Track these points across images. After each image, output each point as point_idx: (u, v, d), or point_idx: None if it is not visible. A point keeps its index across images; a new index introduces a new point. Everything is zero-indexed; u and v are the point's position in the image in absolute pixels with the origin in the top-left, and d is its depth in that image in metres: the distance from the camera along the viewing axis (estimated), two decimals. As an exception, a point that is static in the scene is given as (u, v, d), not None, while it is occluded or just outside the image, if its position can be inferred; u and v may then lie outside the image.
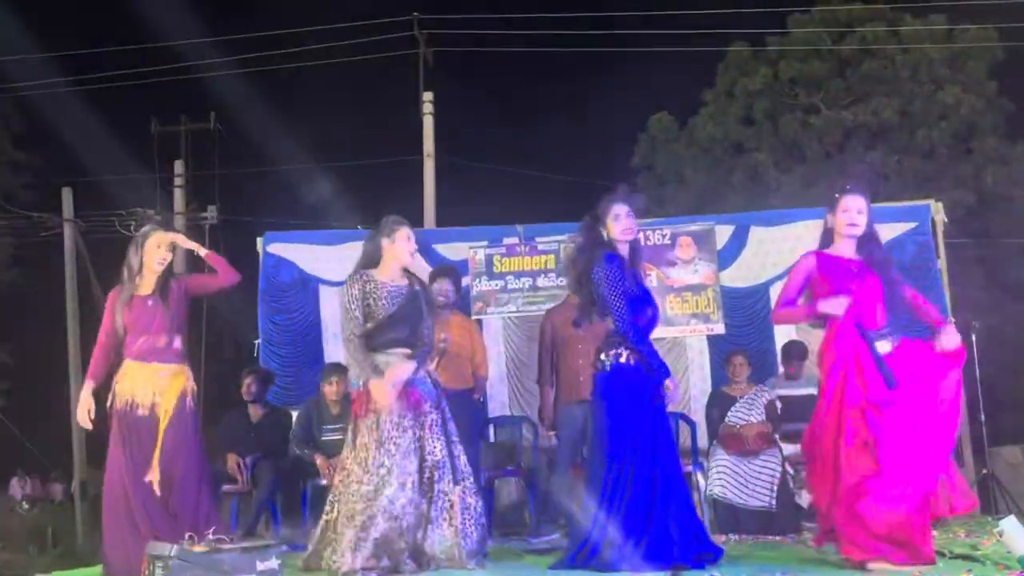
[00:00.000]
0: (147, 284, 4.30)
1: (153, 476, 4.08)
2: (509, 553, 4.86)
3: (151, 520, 4.02)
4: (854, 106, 15.07)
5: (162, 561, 3.42)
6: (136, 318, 4.22)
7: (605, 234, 4.11)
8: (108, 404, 4.19)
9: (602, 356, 4.06)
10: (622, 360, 3.98)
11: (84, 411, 4.18)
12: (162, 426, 4.15)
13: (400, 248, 4.17)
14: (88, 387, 4.20)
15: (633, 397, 3.94)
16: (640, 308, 4.02)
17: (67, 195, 13.32)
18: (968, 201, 13.66)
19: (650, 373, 3.97)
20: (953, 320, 7.43)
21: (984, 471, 6.00)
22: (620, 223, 4.09)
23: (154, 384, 4.19)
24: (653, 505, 3.82)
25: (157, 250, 4.31)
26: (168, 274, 4.37)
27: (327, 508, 4.07)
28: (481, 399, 6.25)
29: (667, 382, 3.99)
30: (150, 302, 4.26)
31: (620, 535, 3.76)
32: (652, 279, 7.65)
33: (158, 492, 4.08)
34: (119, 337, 4.23)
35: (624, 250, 4.12)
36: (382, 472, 3.86)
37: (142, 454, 4.11)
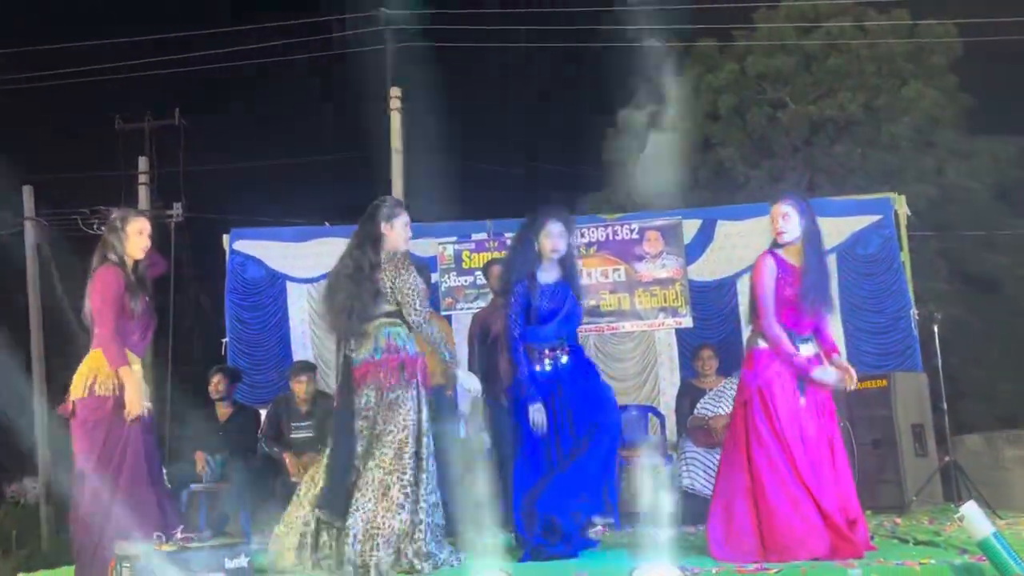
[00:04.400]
0: (131, 273, 4.09)
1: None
2: (480, 546, 4.86)
3: (165, 513, 3.93)
4: (820, 101, 15.21)
5: (129, 561, 3.40)
6: (141, 312, 4.04)
7: (536, 247, 4.32)
8: (97, 392, 3.90)
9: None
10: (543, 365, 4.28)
11: (141, 398, 3.94)
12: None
13: (398, 236, 4.08)
14: (130, 372, 3.91)
15: (537, 394, 4.22)
16: (543, 321, 4.29)
17: (28, 193, 13.12)
18: (930, 194, 13.84)
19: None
20: (917, 314, 7.57)
21: (947, 459, 6.09)
22: (551, 240, 4.30)
23: (143, 384, 4.06)
24: (562, 495, 4.09)
25: (139, 237, 4.07)
26: (143, 269, 4.16)
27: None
28: (453, 394, 6.26)
29: (531, 409, 4.21)
30: (146, 298, 4.10)
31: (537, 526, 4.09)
32: (620, 273, 7.70)
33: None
34: (120, 317, 3.95)
35: (553, 265, 4.36)
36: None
37: (147, 450, 3.98)
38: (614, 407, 4.41)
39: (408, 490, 3.81)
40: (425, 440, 3.92)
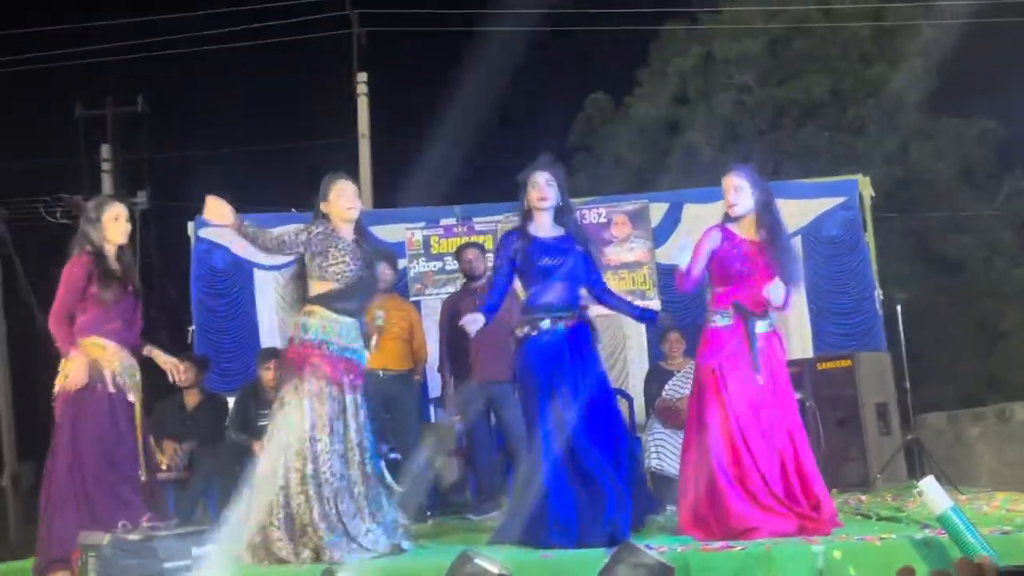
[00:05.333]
0: (112, 261, 4.11)
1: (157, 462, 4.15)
2: (450, 530, 4.89)
3: (138, 500, 3.95)
4: (786, 84, 15.29)
5: (95, 550, 3.37)
6: (116, 299, 4.03)
7: (526, 203, 4.21)
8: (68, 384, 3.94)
9: (516, 331, 4.14)
10: (524, 333, 4.06)
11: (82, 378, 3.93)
12: (138, 411, 4.10)
13: (335, 206, 4.00)
14: (81, 358, 3.91)
15: (541, 368, 3.99)
16: (545, 281, 4.06)
17: (-12, 181, 12.91)
18: (896, 175, 13.99)
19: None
20: (882, 295, 7.68)
21: (909, 436, 6.19)
22: (536, 190, 4.17)
23: (128, 371, 4.08)
24: (579, 479, 3.87)
25: (116, 223, 4.10)
26: (129, 255, 4.22)
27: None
28: (421, 380, 6.28)
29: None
30: (129, 287, 4.12)
31: (548, 511, 3.82)
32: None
33: (143, 475, 4.05)
34: (75, 306, 3.99)
35: (545, 218, 4.18)
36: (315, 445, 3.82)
37: (130, 438, 4.01)
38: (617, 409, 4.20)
39: (283, 484, 3.76)
40: (325, 437, 3.79)
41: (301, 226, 4.00)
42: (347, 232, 4.02)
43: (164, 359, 4.33)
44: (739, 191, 3.92)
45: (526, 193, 4.20)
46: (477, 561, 2.82)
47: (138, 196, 13.03)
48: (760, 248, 3.92)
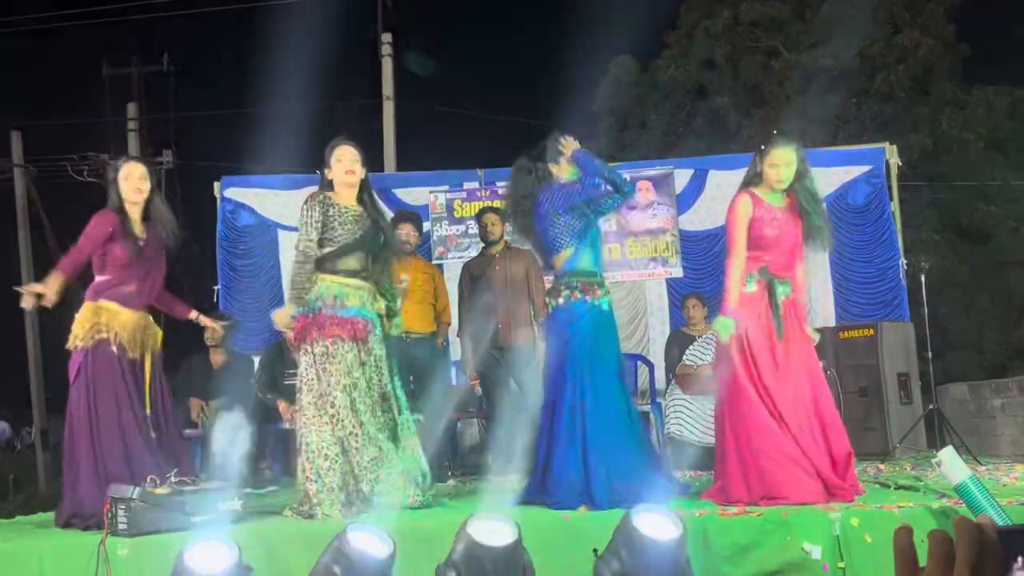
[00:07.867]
0: (136, 222, 4.13)
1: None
2: (471, 491, 4.95)
3: (148, 459, 3.99)
4: (814, 49, 15.06)
5: (124, 503, 3.45)
6: (131, 262, 4.07)
7: (554, 171, 4.19)
8: (84, 344, 4.01)
9: (547, 300, 4.19)
10: (560, 302, 4.06)
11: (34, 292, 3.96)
12: (148, 372, 4.13)
13: (336, 172, 4.07)
14: (57, 278, 3.96)
15: (572, 335, 4.01)
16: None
17: (16, 139, 13.00)
18: (924, 144, 13.80)
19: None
20: (906, 264, 7.63)
21: (931, 406, 6.18)
22: (553, 144, 4.19)
23: (142, 331, 4.13)
24: (600, 443, 3.90)
25: (125, 182, 4.11)
26: (154, 216, 4.20)
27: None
28: (444, 343, 6.31)
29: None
30: (145, 247, 4.13)
31: (565, 473, 3.87)
32: (611, 223, 7.71)
33: (152, 434, 4.08)
34: (89, 256, 4.05)
35: (564, 173, 4.18)
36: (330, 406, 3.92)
37: (139, 398, 4.08)
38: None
39: (324, 440, 3.86)
40: (340, 394, 3.90)
41: (302, 216, 4.01)
42: (349, 196, 4.08)
43: (207, 322, 4.58)
44: (788, 167, 3.90)
45: (555, 162, 4.20)
46: (485, 520, 2.78)
47: (164, 155, 13.11)
48: (787, 215, 3.93)
